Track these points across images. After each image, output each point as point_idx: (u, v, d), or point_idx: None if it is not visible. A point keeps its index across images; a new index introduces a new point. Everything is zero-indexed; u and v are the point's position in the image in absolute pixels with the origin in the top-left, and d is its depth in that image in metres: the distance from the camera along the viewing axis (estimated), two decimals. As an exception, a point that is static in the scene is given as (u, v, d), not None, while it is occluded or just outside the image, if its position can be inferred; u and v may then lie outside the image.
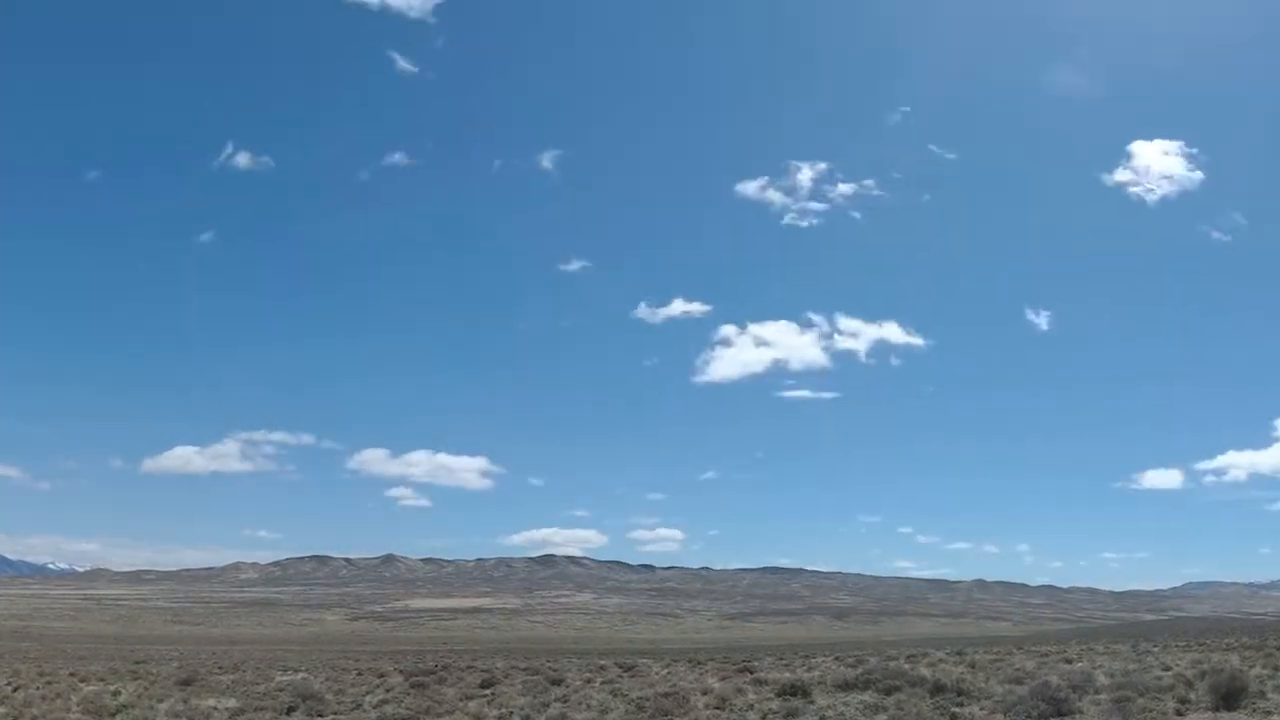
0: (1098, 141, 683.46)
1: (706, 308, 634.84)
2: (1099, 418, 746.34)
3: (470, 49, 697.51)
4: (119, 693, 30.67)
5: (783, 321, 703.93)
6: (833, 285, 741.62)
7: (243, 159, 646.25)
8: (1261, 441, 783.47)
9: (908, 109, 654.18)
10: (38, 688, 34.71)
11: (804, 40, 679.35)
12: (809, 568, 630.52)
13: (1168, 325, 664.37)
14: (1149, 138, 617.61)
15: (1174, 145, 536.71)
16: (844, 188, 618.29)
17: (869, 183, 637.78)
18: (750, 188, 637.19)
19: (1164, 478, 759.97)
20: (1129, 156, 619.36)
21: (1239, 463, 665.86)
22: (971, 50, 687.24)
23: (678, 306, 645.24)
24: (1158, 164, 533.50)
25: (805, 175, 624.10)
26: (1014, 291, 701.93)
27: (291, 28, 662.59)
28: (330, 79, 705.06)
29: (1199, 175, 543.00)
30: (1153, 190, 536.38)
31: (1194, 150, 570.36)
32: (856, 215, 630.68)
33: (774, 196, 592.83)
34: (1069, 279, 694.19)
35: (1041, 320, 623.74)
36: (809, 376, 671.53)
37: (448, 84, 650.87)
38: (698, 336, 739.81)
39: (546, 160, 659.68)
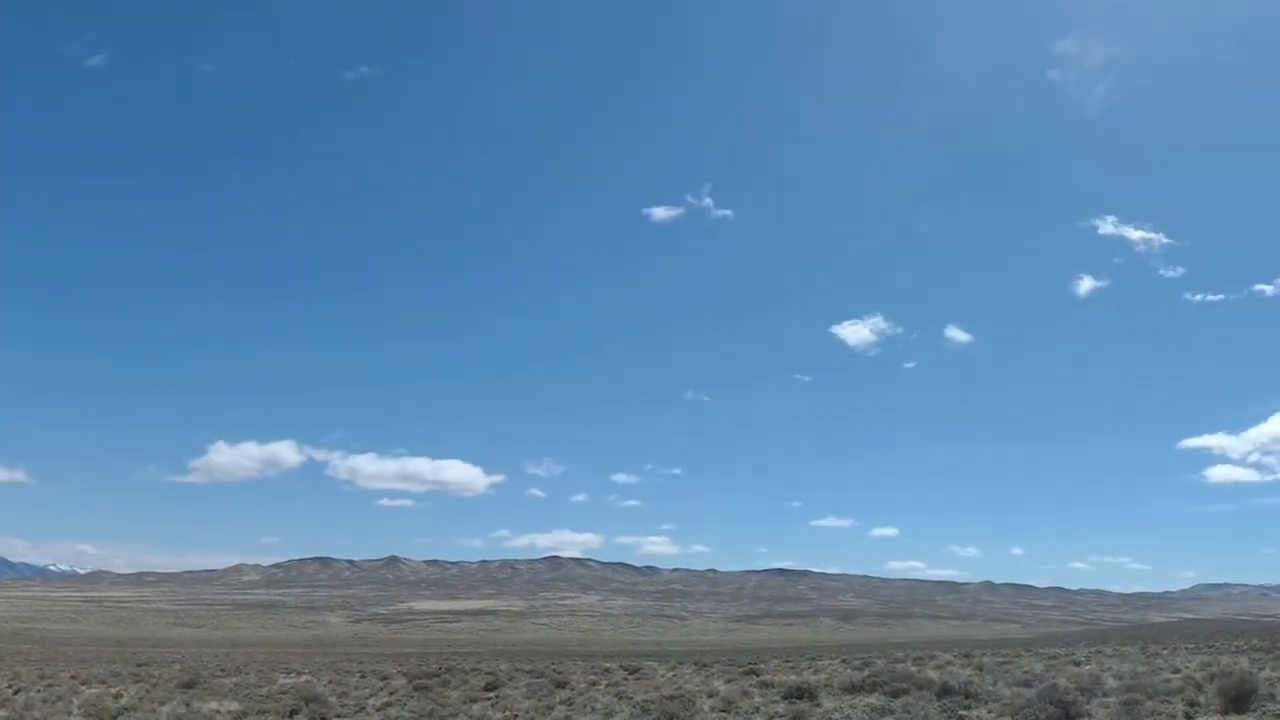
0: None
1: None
2: (1101, 419, 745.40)
3: (468, 53, 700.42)
4: (120, 695, 30.56)
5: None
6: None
7: (239, 163, 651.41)
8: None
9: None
10: (39, 690, 34.64)
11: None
12: (815, 570, 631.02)
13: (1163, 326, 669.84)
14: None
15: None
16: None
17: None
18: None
19: (1167, 478, 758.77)
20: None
21: (1248, 463, 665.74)
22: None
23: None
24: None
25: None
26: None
27: (290, 33, 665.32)
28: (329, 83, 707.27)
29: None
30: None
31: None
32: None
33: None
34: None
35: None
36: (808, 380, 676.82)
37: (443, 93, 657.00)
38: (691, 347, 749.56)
39: (536, 169, 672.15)
